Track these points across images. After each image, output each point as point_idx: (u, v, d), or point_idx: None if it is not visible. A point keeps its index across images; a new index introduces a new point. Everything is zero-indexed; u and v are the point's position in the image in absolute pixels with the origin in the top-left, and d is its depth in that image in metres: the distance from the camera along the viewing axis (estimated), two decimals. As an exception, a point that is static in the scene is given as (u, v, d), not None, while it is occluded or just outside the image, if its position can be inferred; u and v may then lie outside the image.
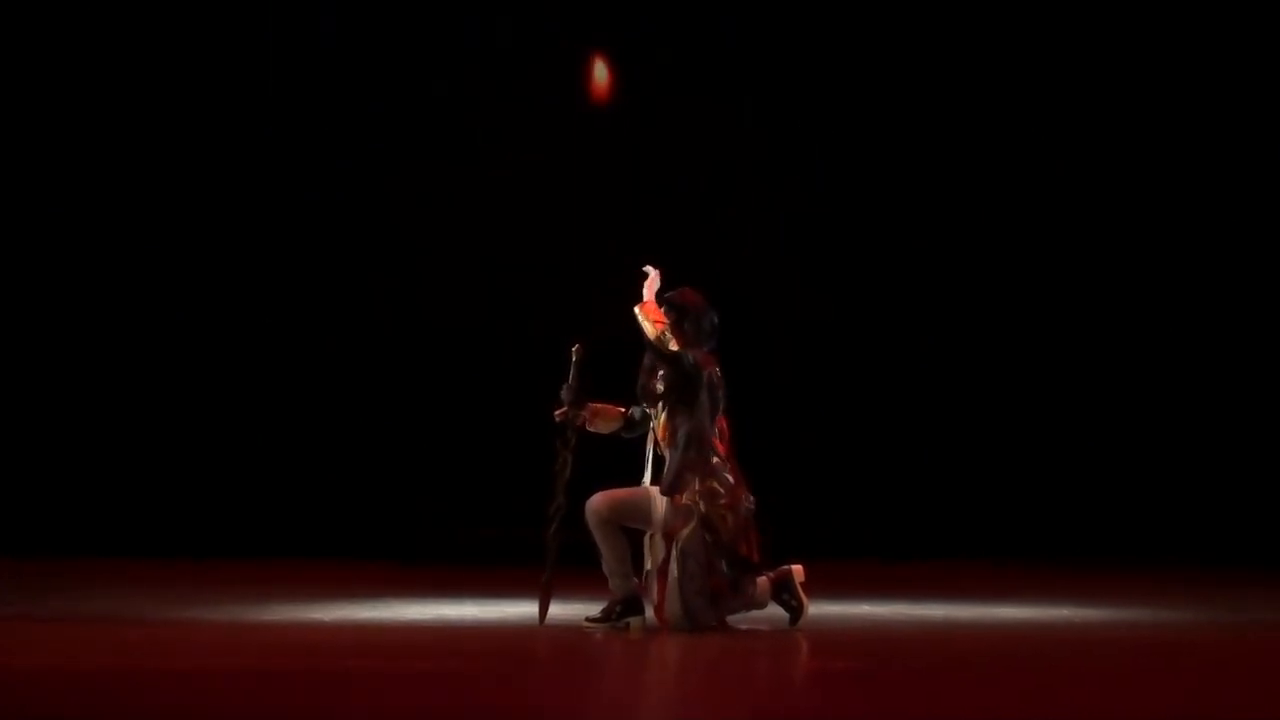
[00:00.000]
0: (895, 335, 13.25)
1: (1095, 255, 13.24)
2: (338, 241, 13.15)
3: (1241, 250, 13.12)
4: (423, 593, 9.02)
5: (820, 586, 7.61)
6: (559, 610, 7.51)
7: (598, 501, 7.31)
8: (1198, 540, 12.39)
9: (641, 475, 7.41)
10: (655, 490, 7.28)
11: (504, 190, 13.06)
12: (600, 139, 12.97)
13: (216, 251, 13.09)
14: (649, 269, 7.46)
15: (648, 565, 7.28)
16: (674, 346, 7.29)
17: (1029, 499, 12.86)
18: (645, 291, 7.42)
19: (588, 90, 12.91)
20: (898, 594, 9.20)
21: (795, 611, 7.40)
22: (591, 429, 7.52)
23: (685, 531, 7.16)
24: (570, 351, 7.54)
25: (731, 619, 7.31)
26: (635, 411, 7.49)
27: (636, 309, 7.39)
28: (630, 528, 7.35)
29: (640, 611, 7.31)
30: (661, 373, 7.31)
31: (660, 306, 7.37)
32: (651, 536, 7.27)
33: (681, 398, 7.26)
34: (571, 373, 7.52)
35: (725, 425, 7.40)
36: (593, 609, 7.39)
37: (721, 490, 7.21)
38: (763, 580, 7.36)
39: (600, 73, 12.82)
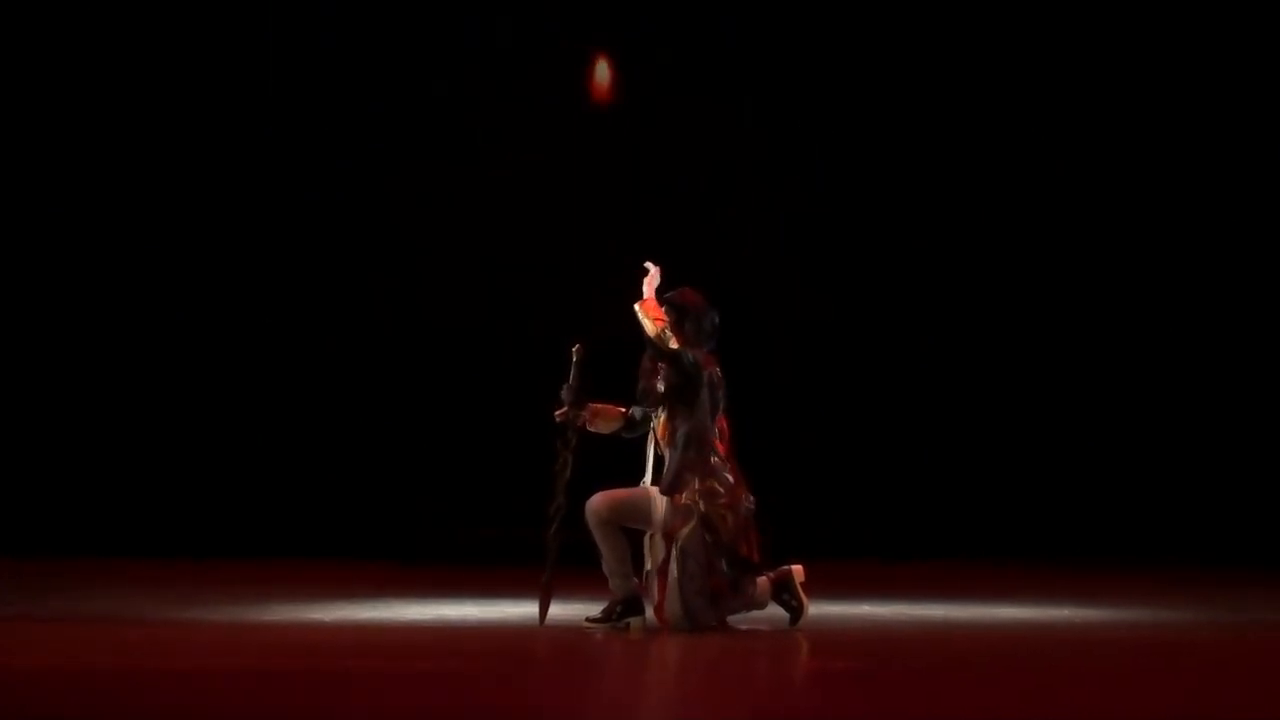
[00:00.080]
0: (895, 335, 13.26)
1: (1095, 255, 13.25)
2: (338, 241, 13.16)
3: (1241, 250, 13.12)
4: (423, 593, 9.02)
5: (820, 586, 7.61)
6: (559, 610, 7.51)
7: (597, 502, 7.31)
8: (1198, 540, 12.39)
9: (642, 475, 7.41)
10: (655, 490, 7.28)
11: (504, 190, 13.06)
12: (600, 139, 12.98)
13: (217, 251, 13.09)
14: (649, 265, 7.46)
15: (648, 565, 7.28)
16: (674, 345, 7.29)
17: (1029, 499, 12.86)
18: (645, 289, 7.41)
19: (588, 90, 12.92)
20: (898, 594, 9.20)
21: (795, 612, 7.40)
22: (592, 429, 7.52)
23: (685, 531, 7.15)
24: (570, 351, 7.54)
25: (731, 619, 7.31)
26: (636, 411, 7.49)
27: (636, 306, 7.39)
28: (630, 528, 7.35)
29: (640, 612, 7.31)
30: (662, 371, 7.30)
31: (661, 306, 7.37)
32: (651, 536, 7.27)
33: (681, 397, 7.26)
34: (572, 373, 7.52)
35: (725, 425, 7.40)
36: (593, 609, 7.39)
37: (721, 490, 7.21)
38: (763, 580, 7.36)
39: (602, 72, 12.83)
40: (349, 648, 6.58)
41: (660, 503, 7.23)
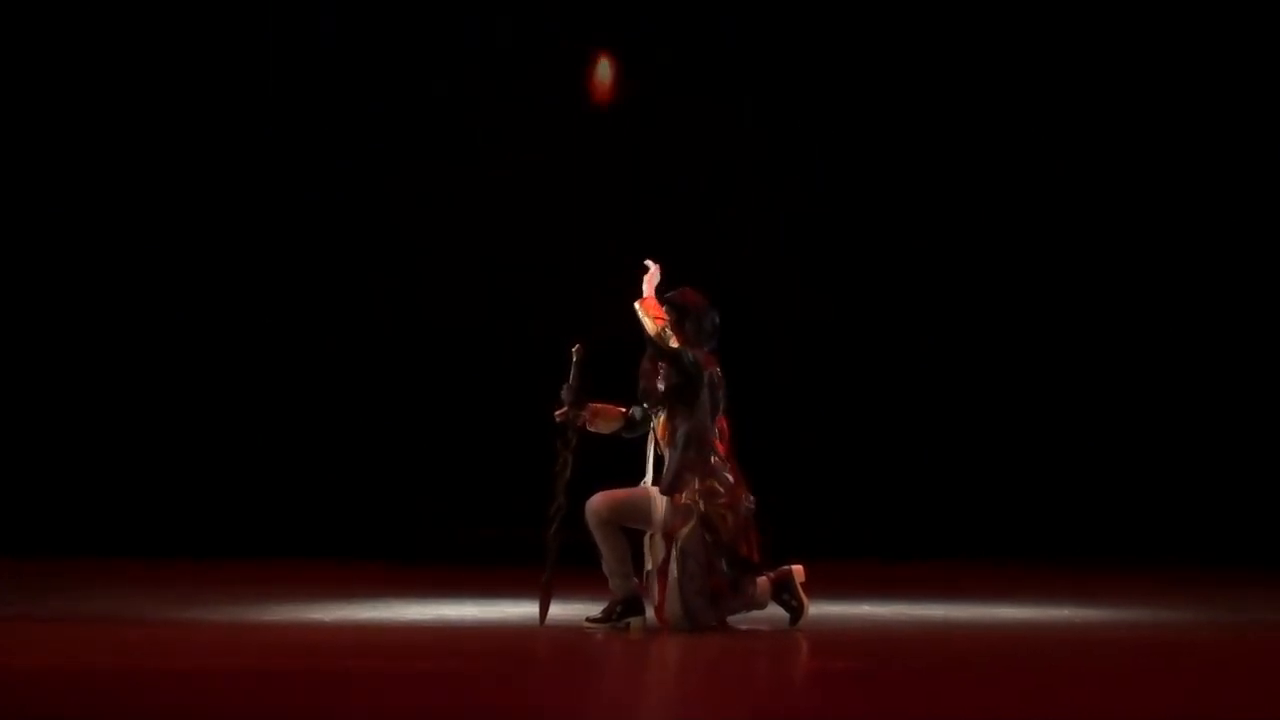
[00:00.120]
0: (895, 335, 13.26)
1: (1095, 255, 13.25)
2: (338, 241, 13.16)
3: (1241, 250, 13.12)
4: (423, 593, 9.02)
5: (820, 586, 7.61)
6: (559, 610, 7.51)
7: (597, 502, 7.31)
8: (1198, 540, 12.39)
9: (642, 475, 7.41)
10: (655, 490, 7.28)
11: (504, 190, 13.06)
12: (600, 139, 12.97)
13: (217, 251, 13.09)
14: (649, 263, 7.46)
15: (648, 565, 7.28)
16: (674, 344, 7.29)
17: (1029, 499, 12.86)
18: (645, 287, 7.41)
19: (589, 90, 12.92)
20: (898, 594, 9.20)
21: (795, 612, 7.39)
22: (592, 429, 7.51)
23: (685, 531, 7.15)
24: (570, 351, 7.54)
25: (732, 619, 7.31)
26: (636, 411, 7.49)
27: (637, 305, 7.39)
28: (630, 528, 7.34)
29: (641, 612, 7.31)
30: (662, 371, 7.30)
31: (662, 305, 7.37)
32: (651, 536, 7.27)
33: (682, 397, 7.26)
34: (572, 373, 7.51)
35: (725, 425, 7.40)
36: (593, 609, 7.39)
37: (721, 490, 7.21)
38: (763, 580, 7.36)
39: (603, 72, 12.83)
40: (349, 648, 6.58)
41: (660, 503, 7.23)
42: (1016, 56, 13.12)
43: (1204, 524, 12.59)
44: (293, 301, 13.16)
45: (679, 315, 7.35)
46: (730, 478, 7.25)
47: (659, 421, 7.36)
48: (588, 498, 7.33)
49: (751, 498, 7.30)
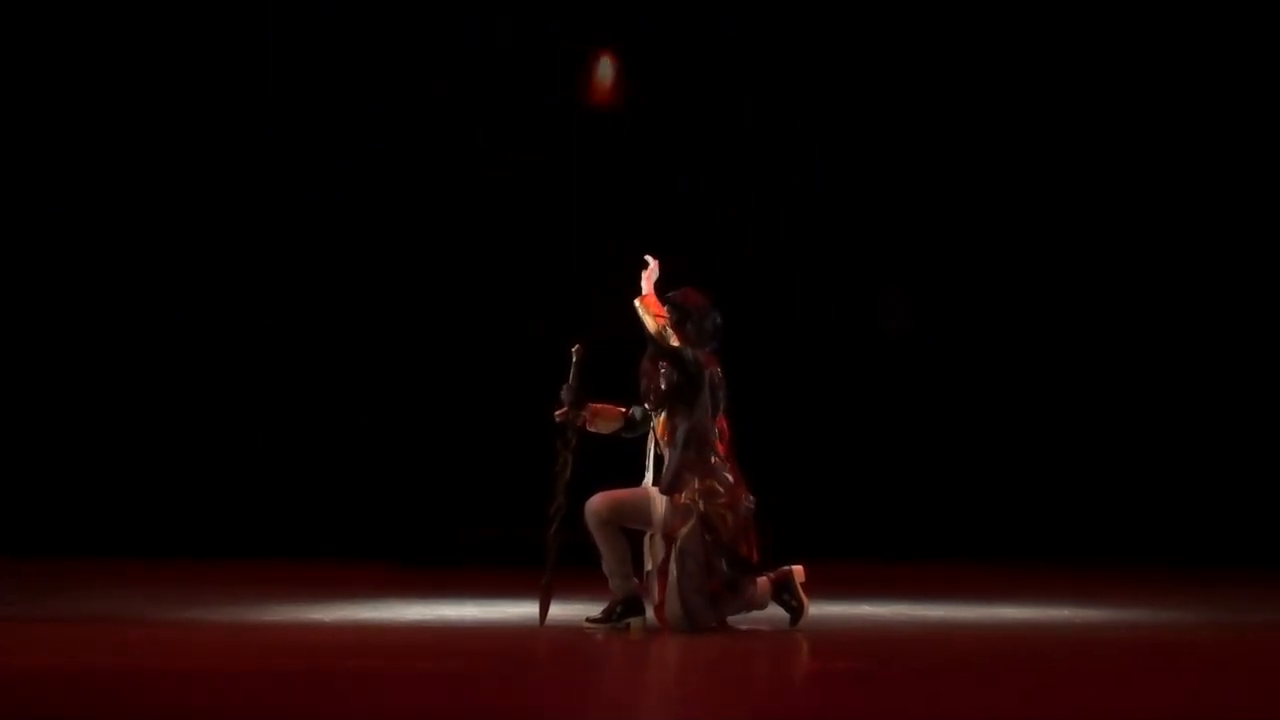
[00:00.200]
0: (897, 335, 13.25)
1: (1095, 256, 13.25)
2: (338, 241, 13.16)
3: (1241, 250, 13.12)
4: (423, 593, 9.02)
5: (820, 586, 7.61)
6: (559, 611, 7.51)
7: (597, 502, 7.31)
8: (1198, 540, 12.39)
9: (642, 475, 7.40)
10: (655, 490, 7.28)
11: (504, 190, 13.06)
12: (600, 139, 12.97)
13: (217, 251, 13.09)
14: (649, 259, 7.45)
15: (648, 565, 7.28)
16: (674, 342, 7.29)
17: (1029, 499, 12.86)
18: (644, 284, 7.41)
19: (589, 90, 12.92)
20: (898, 594, 9.20)
21: (795, 612, 7.39)
22: (592, 429, 7.51)
23: (684, 531, 7.15)
24: (570, 351, 7.54)
25: (732, 619, 7.31)
26: (636, 411, 7.48)
27: (637, 302, 7.38)
28: (630, 528, 7.34)
29: (641, 612, 7.31)
30: (663, 370, 7.29)
31: (663, 305, 7.37)
32: (651, 537, 7.27)
33: (682, 396, 7.25)
34: (571, 373, 7.51)
35: (725, 425, 7.40)
36: (593, 609, 7.39)
37: (721, 490, 7.21)
38: (763, 580, 7.36)
39: (603, 71, 12.83)
40: (349, 648, 6.58)
41: (660, 503, 7.23)
42: (1016, 56, 13.13)
43: (1204, 524, 12.59)
44: (293, 301, 13.16)
45: (680, 315, 7.35)
46: (730, 478, 7.25)
47: (659, 421, 7.36)
48: (588, 498, 7.33)
49: (751, 498, 7.30)
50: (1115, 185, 13.24)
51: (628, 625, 7.28)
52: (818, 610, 7.53)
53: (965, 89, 13.20)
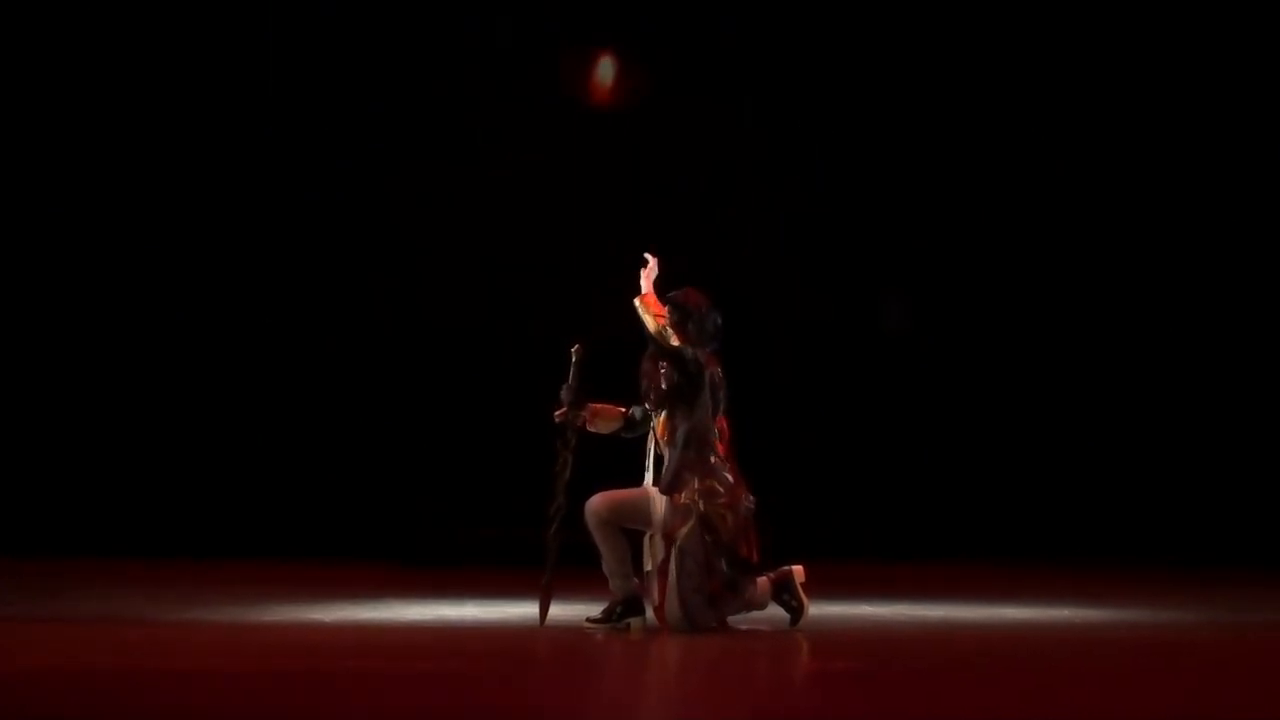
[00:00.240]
0: (896, 335, 13.25)
1: (1095, 256, 13.25)
2: (338, 241, 13.16)
3: (1241, 251, 13.12)
4: (423, 593, 9.02)
5: (820, 586, 7.61)
6: (559, 611, 7.51)
7: (597, 502, 7.31)
8: (1198, 540, 12.39)
9: (642, 475, 7.40)
10: (655, 490, 7.28)
11: (504, 190, 13.07)
12: (600, 139, 12.98)
13: (217, 251, 13.10)
14: (648, 256, 7.45)
15: (647, 566, 7.28)
16: (674, 341, 7.28)
17: (1029, 499, 12.86)
18: (644, 283, 7.40)
19: (590, 90, 12.92)
20: (898, 594, 9.20)
21: (795, 612, 7.39)
22: (592, 429, 7.51)
23: (684, 530, 7.15)
24: (570, 351, 7.53)
25: (732, 619, 7.31)
26: (635, 411, 7.48)
27: (636, 302, 7.38)
28: (630, 528, 7.34)
29: (641, 612, 7.31)
30: (663, 369, 7.29)
31: (664, 305, 7.37)
32: (651, 537, 7.26)
33: (682, 396, 7.25)
34: (571, 373, 7.51)
35: (725, 425, 7.40)
36: (593, 609, 7.39)
37: (721, 490, 7.21)
38: (763, 581, 7.36)
39: (605, 71, 12.83)
40: (349, 648, 6.58)
41: (660, 503, 7.23)
42: (1016, 56, 13.13)
43: (1204, 524, 12.59)
44: (293, 301, 13.16)
45: (682, 315, 7.34)
46: (730, 478, 7.25)
47: (659, 421, 7.35)
48: (588, 498, 7.33)
49: (751, 498, 7.29)
50: (1115, 185, 13.24)
51: (628, 625, 7.28)
52: (818, 610, 7.53)
53: (965, 89, 13.20)
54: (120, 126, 12.99)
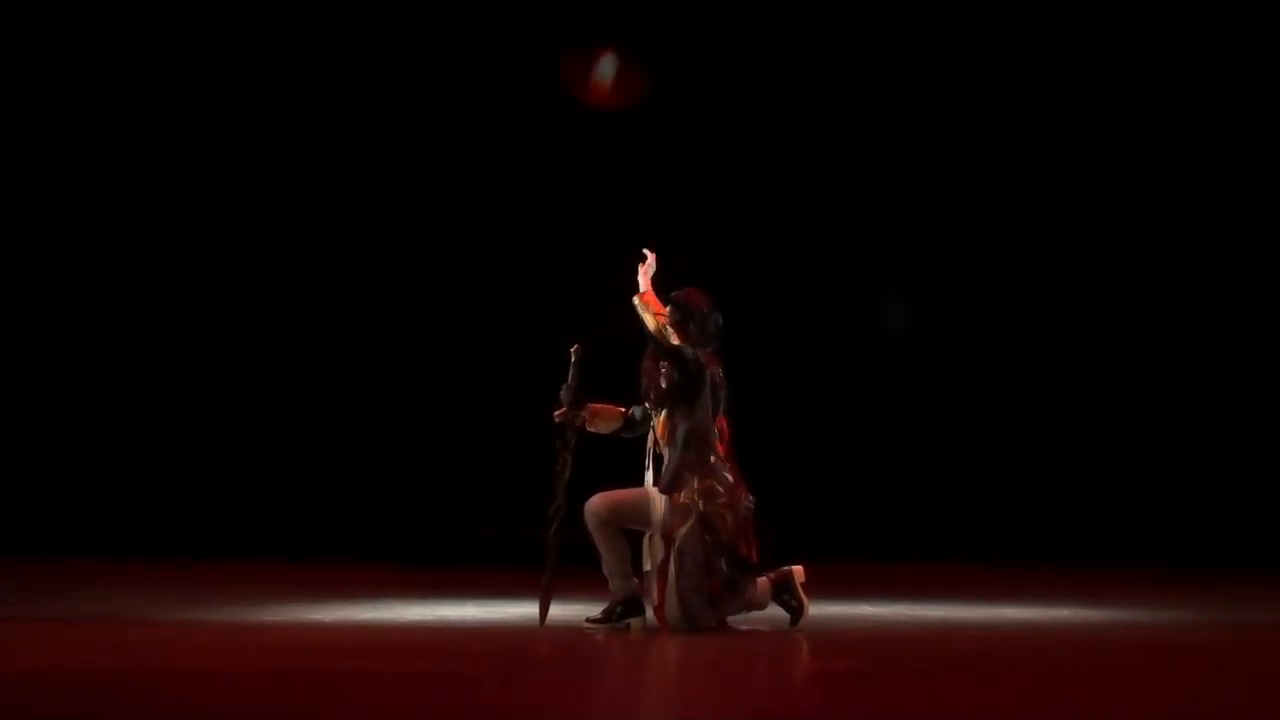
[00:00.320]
0: (896, 335, 13.25)
1: (1095, 256, 13.25)
2: (338, 241, 13.16)
3: (1241, 251, 13.12)
4: (423, 593, 9.02)
5: (820, 587, 7.61)
6: (559, 611, 7.51)
7: (596, 503, 7.31)
8: (1198, 540, 12.39)
9: (642, 475, 7.40)
10: (654, 491, 7.28)
11: (504, 190, 13.07)
12: (600, 139, 12.98)
13: (217, 251, 13.10)
14: (647, 252, 7.44)
15: (647, 566, 7.28)
16: (674, 340, 7.28)
17: (1029, 499, 12.86)
18: (641, 280, 7.40)
19: (590, 90, 12.92)
20: (898, 594, 9.20)
21: (796, 612, 7.39)
22: (591, 429, 7.51)
23: (683, 530, 7.15)
24: (570, 351, 7.53)
25: (732, 619, 7.31)
26: (635, 411, 7.48)
27: (636, 300, 7.38)
28: (630, 528, 7.34)
29: (640, 612, 7.31)
30: (664, 369, 7.29)
31: (665, 305, 7.36)
32: (651, 537, 7.26)
33: (683, 396, 7.25)
34: (571, 373, 7.51)
35: (725, 425, 7.40)
36: (593, 610, 7.39)
37: (720, 489, 7.21)
38: (763, 581, 7.36)
39: (605, 71, 12.83)
40: (349, 648, 6.58)
41: (659, 503, 7.23)
42: (1016, 56, 13.12)
43: (1204, 524, 12.59)
44: (293, 301, 13.16)
45: (683, 315, 7.34)
46: (730, 477, 7.25)
47: (659, 420, 7.35)
48: (587, 498, 7.33)
49: (751, 498, 7.29)
50: (1115, 185, 13.24)
51: (628, 625, 7.28)
52: (818, 610, 7.53)
53: (965, 89, 13.20)
54: (120, 126, 12.99)
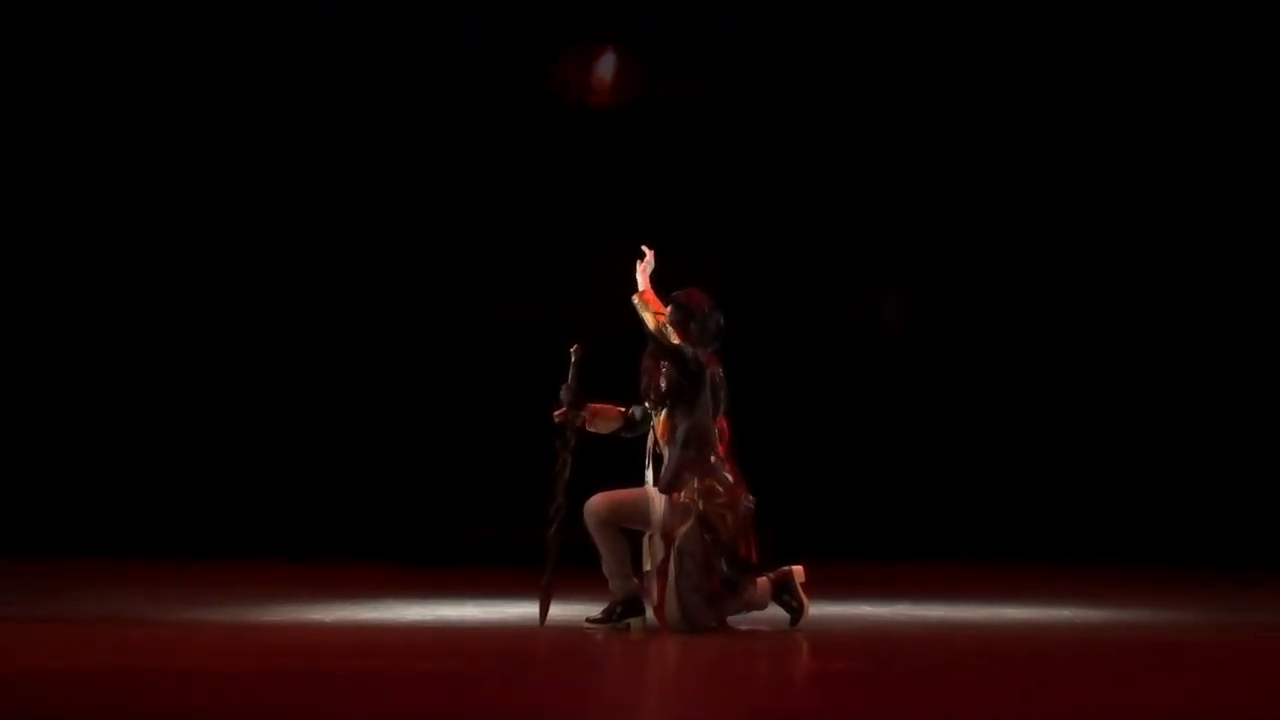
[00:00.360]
0: (895, 335, 13.25)
1: (1095, 256, 13.24)
2: (338, 241, 13.16)
3: (1241, 251, 13.12)
4: (423, 593, 9.02)
5: (820, 587, 7.61)
6: (559, 611, 7.51)
7: (596, 503, 7.31)
8: (1198, 540, 12.39)
9: (642, 475, 7.40)
10: (654, 490, 7.28)
11: (504, 190, 13.07)
12: (600, 138, 12.98)
13: (217, 251, 13.10)
14: (645, 249, 7.44)
15: (647, 566, 7.28)
16: (674, 339, 7.28)
17: (1029, 499, 12.86)
18: (640, 278, 7.39)
19: (589, 89, 12.92)
20: (898, 594, 9.20)
21: (796, 612, 7.39)
22: (591, 429, 7.51)
23: (683, 530, 7.15)
24: (570, 351, 7.53)
25: (732, 619, 7.31)
26: (635, 411, 7.48)
27: (635, 299, 7.37)
28: (630, 528, 7.34)
29: (640, 612, 7.31)
30: (664, 368, 7.28)
31: (666, 304, 7.36)
32: (650, 537, 7.26)
33: (683, 395, 7.25)
34: (571, 373, 7.51)
35: (725, 425, 7.39)
36: (593, 610, 7.39)
37: (720, 489, 7.21)
38: (763, 581, 7.36)
39: (605, 70, 12.83)
40: (349, 648, 6.58)
41: (659, 503, 7.23)
42: (1016, 56, 13.12)
43: (1204, 524, 12.59)
44: (293, 301, 13.16)
45: (684, 315, 7.33)
46: (729, 477, 7.25)
47: (659, 420, 7.35)
48: (587, 498, 7.33)
49: (751, 498, 7.29)
50: (1115, 185, 13.24)
51: (628, 625, 7.28)
52: (818, 610, 7.53)
53: (964, 89, 13.20)
54: (120, 126, 12.99)
